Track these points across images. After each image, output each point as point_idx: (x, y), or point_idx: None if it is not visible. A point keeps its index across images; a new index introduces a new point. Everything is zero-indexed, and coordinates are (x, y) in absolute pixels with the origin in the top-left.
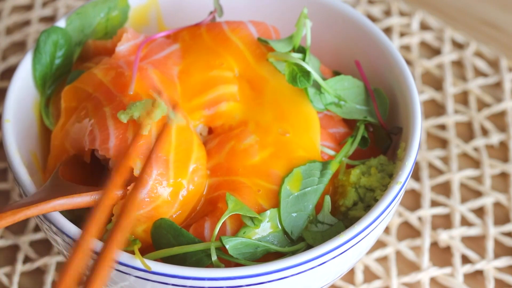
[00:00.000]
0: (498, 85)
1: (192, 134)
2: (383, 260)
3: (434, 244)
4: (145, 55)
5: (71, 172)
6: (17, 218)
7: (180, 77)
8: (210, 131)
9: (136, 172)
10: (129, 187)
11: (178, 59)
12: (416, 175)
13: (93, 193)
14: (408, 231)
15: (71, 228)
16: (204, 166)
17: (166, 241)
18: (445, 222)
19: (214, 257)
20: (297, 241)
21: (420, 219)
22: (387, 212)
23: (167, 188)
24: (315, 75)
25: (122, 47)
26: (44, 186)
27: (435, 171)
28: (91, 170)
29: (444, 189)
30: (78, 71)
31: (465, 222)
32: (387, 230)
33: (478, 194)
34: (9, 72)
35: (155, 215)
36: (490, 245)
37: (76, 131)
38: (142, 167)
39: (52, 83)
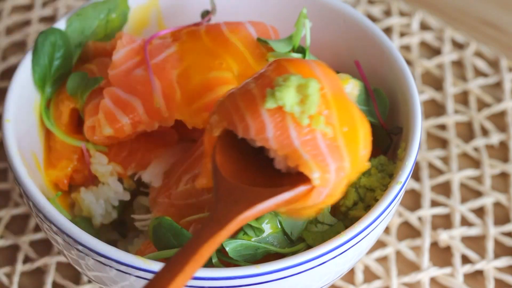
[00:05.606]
0: (498, 85)
1: (352, 104)
2: (383, 260)
3: (434, 244)
4: (144, 59)
5: (226, 160)
6: (211, 251)
7: (179, 81)
8: None
9: (315, 180)
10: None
11: (176, 62)
12: (416, 175)
13: (277, 197)
14: (408, 231)
15: (72, 228)
16: (370, 143)
17: (166, 240)
18: (445, 222)
19: (214, 259)
20: (297, 242)
21: (420, 219)
22: (387, 212)
23: (344, 181)
24: None
25: (118, 55)
26: (216, 195)
27: (435, 171)
28: (245, 149)
29: (444, 189)
30: (79, 73)
31: (465, 222)
32: (387, 230)
33: (478, 194)
34: (9, 72)
35: (327, 202)
36: (490, 245)
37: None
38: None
39: (52, 84)
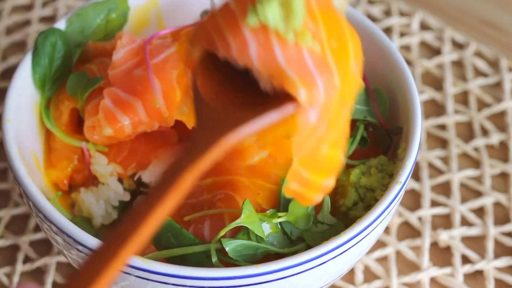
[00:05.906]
0: (498, 85)
1: (341, 18)
2: (383, 260)
3: (434, 244)
4: (144, 59)
5: (208, 84)
6: (192, 179)
7: (179, 81)
8: None
9: (302, 97)
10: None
11: (176, 62)
12: (416, 175)
13: (262, 117)
14: (408, 231)
15: (72, 228)
16: (360, 58)
17: (166, 240)
18: (445, 222)
19: (214, 259)
20: (297, 242)
21: (420, 219)
22: (387, 212)
23: (335, 97)
24: None
25: (118, 55)
26: (197, 120)
27: (435, 171)
28: (229, 74)
29: (444, 189)
30: (79, 73)
31: (465, 222)
32: (387, 230)
33: (478, 194)
34: (9, 72)
35: (330, 128)
36: (490, 245)
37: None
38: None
39: (52, 84)
